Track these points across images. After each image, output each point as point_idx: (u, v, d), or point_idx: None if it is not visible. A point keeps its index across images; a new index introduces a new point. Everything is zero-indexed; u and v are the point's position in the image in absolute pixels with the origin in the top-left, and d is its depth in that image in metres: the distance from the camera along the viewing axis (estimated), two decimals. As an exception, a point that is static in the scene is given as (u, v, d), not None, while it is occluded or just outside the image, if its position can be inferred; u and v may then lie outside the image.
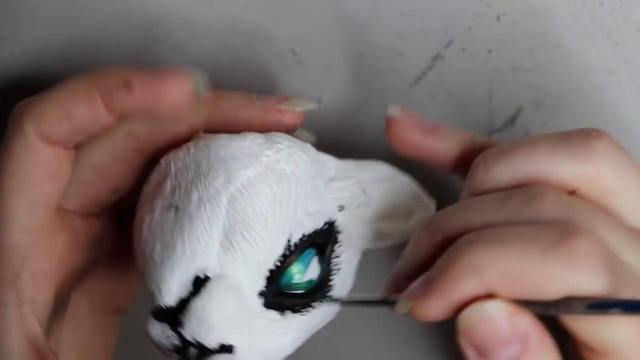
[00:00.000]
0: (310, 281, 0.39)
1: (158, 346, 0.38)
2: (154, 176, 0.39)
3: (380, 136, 0.43)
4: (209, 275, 0.36)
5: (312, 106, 0.41)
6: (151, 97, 0.37)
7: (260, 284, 0.37)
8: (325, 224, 0.39)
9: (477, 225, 0.34)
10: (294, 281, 0.38)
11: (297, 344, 0.39)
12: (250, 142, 0.38)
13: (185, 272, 0.37)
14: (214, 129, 0.40)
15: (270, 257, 0.37)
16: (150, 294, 0.37)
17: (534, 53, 0.44)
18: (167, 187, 0.38)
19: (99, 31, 0.44)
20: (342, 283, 0.40)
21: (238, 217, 0.37)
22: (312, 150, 0.39)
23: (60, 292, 0.40)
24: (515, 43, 0.44)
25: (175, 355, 0.37)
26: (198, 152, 0.38)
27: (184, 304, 0.36)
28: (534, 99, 0.45)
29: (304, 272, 0.38)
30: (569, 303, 0.32)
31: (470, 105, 0.46)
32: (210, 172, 0.37)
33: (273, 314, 0.38)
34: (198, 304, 0.36)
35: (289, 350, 0.39)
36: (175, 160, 0.39)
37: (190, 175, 0.38)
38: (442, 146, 0.39)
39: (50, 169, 0.38)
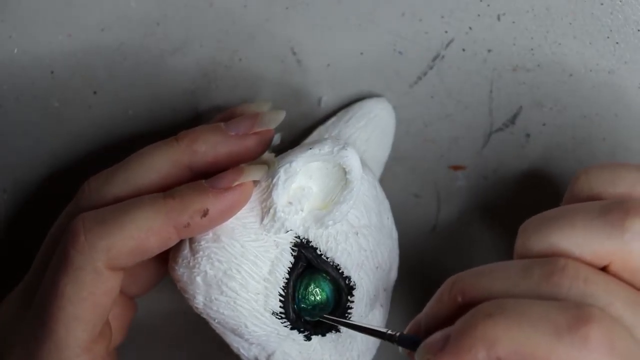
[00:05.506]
0: (321, 301, 0.41)
1: None
2: None
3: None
4: None
5: (281, 114, 0.41)
6: (225, 213, 0.39)
7: (299, 338, 0.41)
8: (292, 253, 0.40)
9: (498, 293, 0.35)
10: (310, 309, 0.40)
11: None
12: (181, 273, 0.39)
13: None
14: (199, 173, 0.40)
15: (282, 329, 0.40)
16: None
17: (534, 53, 0.44)
18: None
19: (99, 31, 0.44)
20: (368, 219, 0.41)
21: (226, 325, 0.40)
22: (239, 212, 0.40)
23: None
24: (515, 43, 0.44)
25: None
26: None
27: None
28: (534, 99, 0.45)
29: (307, 300, 0.40)
30: None
31: (470, 105, 0.46)
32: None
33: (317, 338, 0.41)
34: None
35: None
36: None
37: None
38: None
39: (115, 293, 0.39)
